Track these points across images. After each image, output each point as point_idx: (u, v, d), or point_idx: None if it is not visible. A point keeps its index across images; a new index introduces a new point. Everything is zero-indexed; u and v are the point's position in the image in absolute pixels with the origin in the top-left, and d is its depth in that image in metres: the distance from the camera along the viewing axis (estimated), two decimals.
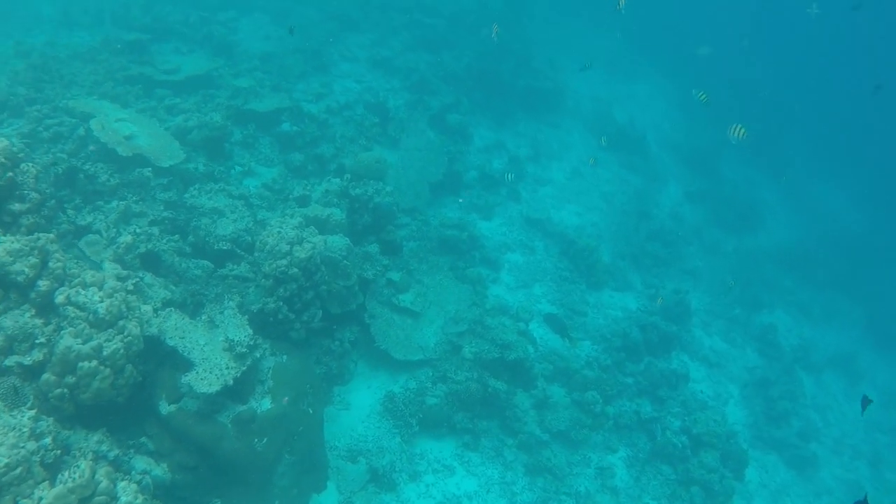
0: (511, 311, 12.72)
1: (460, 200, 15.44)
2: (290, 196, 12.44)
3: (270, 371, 8.34)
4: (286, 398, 8.09)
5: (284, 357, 8.69)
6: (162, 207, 9.65)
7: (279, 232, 9.18)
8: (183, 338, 7.27)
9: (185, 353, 7.16)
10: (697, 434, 11.99)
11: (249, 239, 10.42)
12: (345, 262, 10.49)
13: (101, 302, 6.14)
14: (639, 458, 11.77)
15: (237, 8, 20.07)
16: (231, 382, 7.37)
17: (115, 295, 6.30)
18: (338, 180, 12.39)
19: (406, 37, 21.02)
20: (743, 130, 12.58)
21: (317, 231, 10.08)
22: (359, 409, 10.32)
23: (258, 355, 8.15)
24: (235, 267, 10.00)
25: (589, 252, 15.21)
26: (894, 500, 15.48)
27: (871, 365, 19.24)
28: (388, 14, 21.59)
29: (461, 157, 16.35)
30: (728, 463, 11.99)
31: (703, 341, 15.71)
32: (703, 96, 13.09)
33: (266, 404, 7.97)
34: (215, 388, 7.00)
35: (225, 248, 10.02)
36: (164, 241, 9.02)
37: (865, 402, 9.38)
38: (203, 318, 8.33)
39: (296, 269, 8.91)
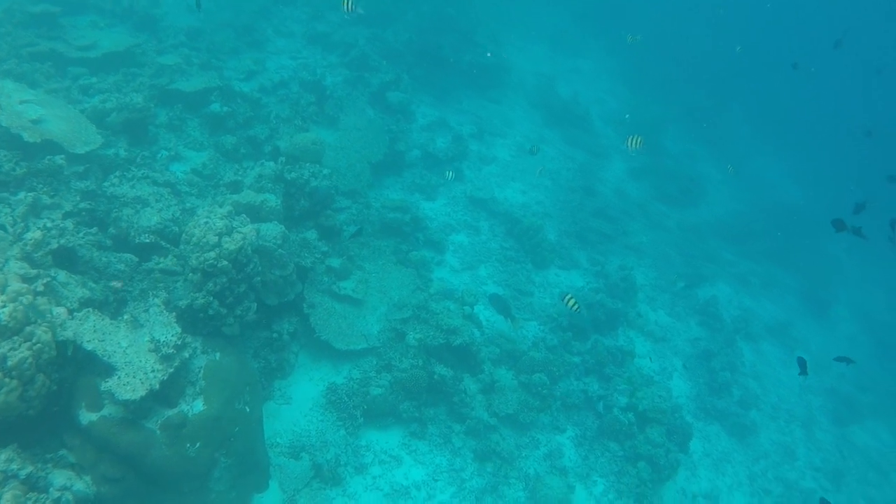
0: (456, 294, 12.47)
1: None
2: (222, 182, 11.87)
3: (202, 370, 7.85)
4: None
5: (217, 354, 8.21)
6: (78, 198, 8.98)
7: (206, 222, 8.64)
8: (102, 341, 6.77)
9: (106, 358, 6.67)
10: (643, 410, 12.02)
11: (177, 229, 9.81)
12: (280, 250, 10.03)
13: (3, 307, 5.61)
14: (587, 437, 11.76)
15: None
16: (157, 387, 6.91)
17: (21, 298, 5.77)
18: (272, 164, 11.88)
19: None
20: (640, 139, 13.27)
21: (248, 220, 9.58)
22: (301, 402, 9.95)
23: (187, 355, 7.67)
24: (162, 260, 9.42)
25: (534, 231, 15.06)
26: (824, 457, 16.00)
27: (805, 332, 19.76)
28: None
29: (403, 135, 15.92)
30: (673, 437, 12.08)
31: (649, 316, 15.78)
32: (633, 38, 13.30)
33: (198, 406, 7.53)
34: (140, 393, 6.55)
35: (148, 240, 9.42)
36: (81, 234, 8.38)
37: (802, 363, 9.54)
38: (125, 317, 7.80)
39: (225, 262, 8.41)
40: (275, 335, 10.15)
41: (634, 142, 12.75)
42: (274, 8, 19.37)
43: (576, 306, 10.94)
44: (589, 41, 28.63)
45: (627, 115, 18.14)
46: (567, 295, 11.00)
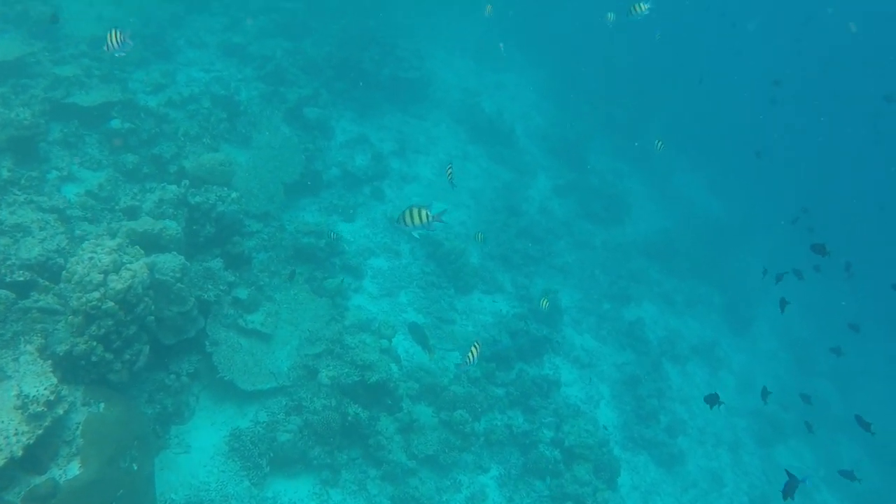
0: (373, 326, 11.83)
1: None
2: (118, 206, 10.92)
3: (80, 427, 7.01)
4: None
5: (101, 405, 7.39)
6: None
7: (91, 258, 7.78)
8: None
9: None
10: (570, 446, 11.66)
11: (62, 261, 8.88)
12: (178, 284, 9.18)
13: None
14: (511, 476, 11.27)
15: None
16: (20, 453, 6.09)
17: None
18: (174, 187, 10.98)
19: (263, 21, 19.42)
20: (660, 144, 13.50)
21: (143, 251, 8.76)
22: (201, 450, 9.10)
23: (61, 411, 6.86)
24: (42, 297, 8.47)
25: (457, 255, 14.55)
26: (751, 481, 16.07)
27: (728, 350, 19.94)
28: None
29: (321, 153, 15.22)
30: (601, 474, 11.73)
31: (575, 340, 15.52)
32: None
33: (73, 470, 6.71)
34: None
35: (21, 279, 8.44)
36: None
37: (713, 400, 9.47)
38: None
39: (111, 303, 7.56)
40: (172, 377, 9.32)
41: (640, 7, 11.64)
42: (187, 17, 18.32)
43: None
44: (514, 54, 28.48)
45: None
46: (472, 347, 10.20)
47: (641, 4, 11.19)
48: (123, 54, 10.26)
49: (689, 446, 15.32)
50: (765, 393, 11.29)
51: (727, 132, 30.91)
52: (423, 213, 7.33)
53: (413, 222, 7.33)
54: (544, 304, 13.01)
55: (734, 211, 27.70)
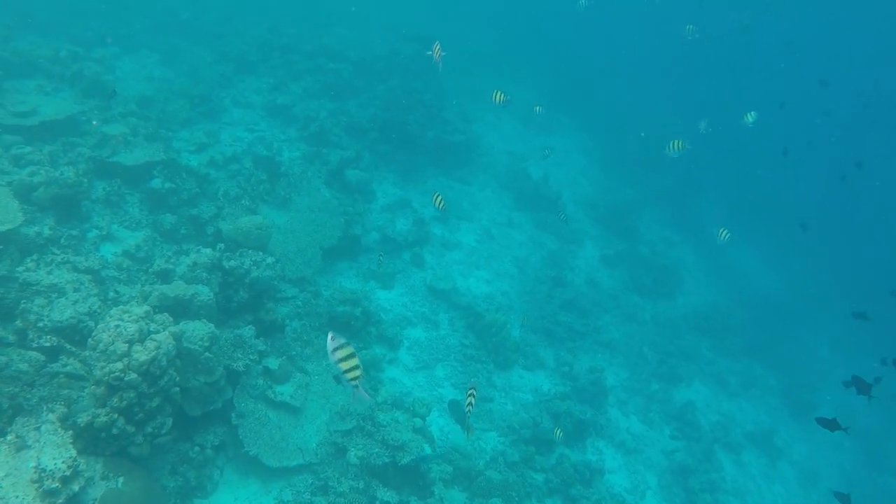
0: (406, 402, 11.14)
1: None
2: (151, 269, 10.64)
3: (97, 503, 6.63)
4: None
5: (120, 480, 7.04)
6: None
7: (117, 326, 7.47)
8: None
9: None
10: None
11: (93, 325, 8.64)
12: (207, 354, 8.79)
13: None
14: None
15: (120, 44, 18.13)
16: None
17: None
18: (209, 251, 10.65)
19: (308, 82, 19.48)
20: (680, 143, 12.21)
21: (171, 319, 8.39)
22: None
23: (76, 488, 6.45)
24: (70, 361, 8.20)
25: (498, 328, 13.83)
26: None
27: (789, 438, 18.53)
28: (289, 57, 20.03)
29: (361, 217, 14.80)
30: None
31: (620, 423, 14.50)
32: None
33: None
34: None
35: (48, 344, 8.17)
36: None
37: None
38: (8, 438, 6.62)
39: (134, 375, 7.25)
40: (196, 449, 8.84)
41: (676, 145, 11.74)
42: (235, 77, 18.49)
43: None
44: (561, 118, 28.16)
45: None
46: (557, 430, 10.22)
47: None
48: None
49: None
50: (845, 499, 10.12)
51: (786, 204, 29.77)
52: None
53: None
54: (558, 434, 11.96)
55: (793, 287, 26.37)
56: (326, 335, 5.39)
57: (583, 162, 26.13)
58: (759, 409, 18.74)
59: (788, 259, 28.15)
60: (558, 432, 11.57)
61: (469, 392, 8.10)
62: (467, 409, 8.12)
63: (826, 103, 31.25)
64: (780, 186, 31.16)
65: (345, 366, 5.49)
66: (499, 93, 11.48)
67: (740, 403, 18.32)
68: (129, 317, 7.69)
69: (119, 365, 7.13)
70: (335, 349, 5.47)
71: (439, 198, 11.21)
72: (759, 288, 25.01)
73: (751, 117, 14.56)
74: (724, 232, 13.74)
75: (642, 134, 23.74)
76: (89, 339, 7.44)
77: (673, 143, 12.05)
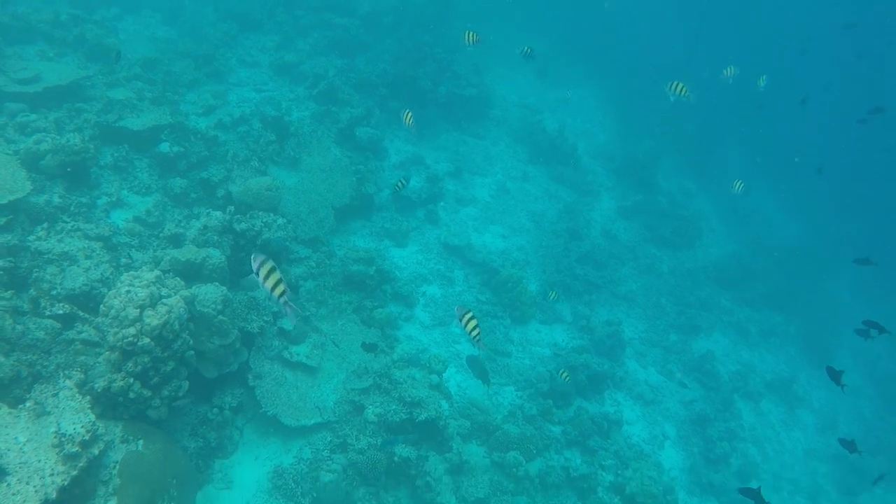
0: (423, 359, 11.14)
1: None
2: (162, 234, 10.62)
3: (118, 466, 6.74)
4: None
5: (140, 443, 7.11)
6: None
7: (128, 291, 7.45)
8: None
9: None
10: (631, 494, 10.68)
11: (106, 291, 8.65)
12: (220, 316, 8.82)
13: None
14: None
15: (122, 5, 17.83)
16: (54, 496, 5.82)
17: None
18: (219, 213, 10.61)
19: (316, 38, 19.12)
20: (683, 87, 11.44)
21: (182, 283, 8.38)
22: (243, 486, 8.63)
23: (97, 451, 6.52)
24: (85, 328, 8.26)
25: (514, 283, 13.74)
26: None
27: (807, 387, 18.41)
28: (294, 13, 19.62)
29: (373, 175, 14.65)
30: None
31: (638, 375, 14.46)
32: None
33: None
34: None
35: (61, 312, 8.22)
36: None
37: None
38: (27, 405, 6.67)
39: (147, 340, 7.28)
40: (215, 410, 8.98)
41: (676, 87, 11.36)
42: (240, 36, 18.18)
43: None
44: (576, 69, 27.53)
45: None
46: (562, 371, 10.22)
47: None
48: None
49: (763, 493, 13.98)
50: (850, 446, 10.08)
51: (807, 151, 29.04)
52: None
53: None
54: (564, 376, 11.61)
55: (813, 234, 25.89)
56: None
57: (599, 113, 25.65)
58: (779, 358, 18.61)
59: (810, 204, 27.64)
60: (564, 374, 11.38)
61: (464, 317, 7.37)
62: (475, 337, 7.51)
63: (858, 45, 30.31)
64: (798, 133, 30.40)
65: (269, 283, 5.49)
66: (470, 33, 11.37)
67: (760, 352, 18.20)
68: (140, 282, 7.67)
69: (132, 330, 7.14)
70: (259, 267, 5.46)
71: (409, 115, 10.96)
72: (780, 235, 24.62)
73: (762, 82, 14.80)
74: (739, 183, 13.44)
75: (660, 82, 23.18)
76: (101, 306, 7.43)
77: (673, 84, 11.43)
